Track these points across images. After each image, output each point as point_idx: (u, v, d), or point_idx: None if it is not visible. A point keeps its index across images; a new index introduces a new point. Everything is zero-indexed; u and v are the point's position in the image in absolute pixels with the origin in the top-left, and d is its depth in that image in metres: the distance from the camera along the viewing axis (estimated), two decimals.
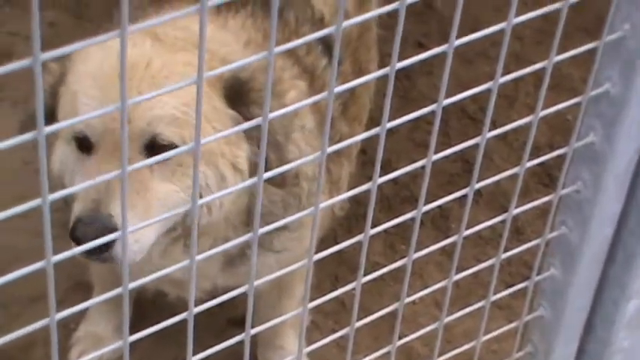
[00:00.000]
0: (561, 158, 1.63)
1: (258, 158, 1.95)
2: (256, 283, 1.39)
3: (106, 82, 1.98)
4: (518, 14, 1.34)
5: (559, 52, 1.44)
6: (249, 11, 2.35)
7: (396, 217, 1.54)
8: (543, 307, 1.83)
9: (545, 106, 1.52)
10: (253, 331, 1.45)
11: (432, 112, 1.39)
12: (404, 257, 1.59)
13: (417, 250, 1.57)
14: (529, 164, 1.58)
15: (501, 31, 1.36)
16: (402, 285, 1.61)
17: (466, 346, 1.83)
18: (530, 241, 1.76)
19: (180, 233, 2.13)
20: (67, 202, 2.06)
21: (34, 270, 1.15)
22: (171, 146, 1.95)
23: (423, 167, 1.46)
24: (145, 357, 2.77)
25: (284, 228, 2.08)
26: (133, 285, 1.25)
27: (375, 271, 1.64)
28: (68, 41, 1.05)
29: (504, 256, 1.71)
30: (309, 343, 1.64)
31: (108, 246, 1.87)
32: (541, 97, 1.49)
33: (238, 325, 2.79)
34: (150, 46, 2.02)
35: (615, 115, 1.55)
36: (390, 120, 1.35)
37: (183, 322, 1.37)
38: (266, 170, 1.27)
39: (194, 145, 1.18)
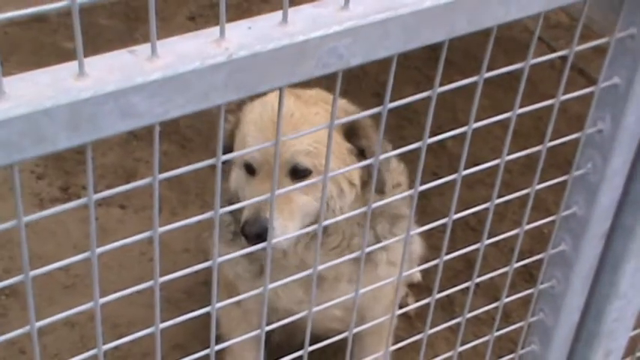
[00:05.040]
0: (540, 262, 1.61)
1: (366, 177, 2.17)
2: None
3: (263, 127, 2.12)
4: (508, 153, 1.35)
5: (538, 183, 1.44)
6: None
7: (416, 301, 1.52)
8: None
9: (528, 222, 1.51)
10: None
11: (444, 224, 1.39)
12: (420, 332, 1.57)
13: (430, 327, 1.55)
14: (516, 265, 1.56)
15: (496, 166, 1.36)
16: (419, 354, 1.58)
17: None
18: (515, 323, 1.73)
19: (315, 234, 2.16)
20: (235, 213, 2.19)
21: (146, 334, 1.15)
22: (307, 170, 2.11)
23: (435, 265, 1.45)
24: None
25: (401, 217, 2.28)
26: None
27: (398, 342, 1.62)
28: (176, 166, 1.07)
29: (497, 334, 1.68)
30: None
31: (265, 237, 1.95)
32: (525, 215, 1.48)
33: None
34: (292, 102, 2.13)
35: (581, 231, 1.53)
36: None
37: None
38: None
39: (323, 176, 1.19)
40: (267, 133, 2.08)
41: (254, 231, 2.02)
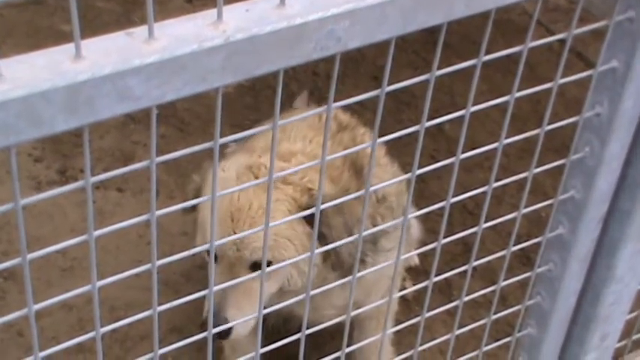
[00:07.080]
0: (537, 245, 1.61)
1: (327, 255, 2.13)
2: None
3: (223, 219, 2.09)
4: (506, 137, 1.35)
5: (536, 166, 1.44)
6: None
7: (413, 285, 1.52)
8: (522, 357, 1.80)
9: (526, 206, 1.51)
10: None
11: (442, 208, 1.39)
12: (418, 316, 1.57)
13: (428, 310, 1.55)
14: (513, 248, 1.57)
15: (494, 149, 1.36)
16: (417, 337, 1.59)
17: None
18: (512, 306, 1.73)
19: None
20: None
21: (143, 317, 1.15)
22: (268, 263, 2.07)
23: (433, 248, 1.46)
24: None
25: (386, 232, 2.22)
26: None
27: (396, 325, 1.62)
28: (173, 149, 1.06)
29: (494, 317, 1.69)
30: None
31: (227, 333, 2.11)
32: (523, 199, 1.48)
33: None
34: (252, 191, 2.09)
35: (578, 214, 1.54)
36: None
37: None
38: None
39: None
40: (226, 226, 2.07)
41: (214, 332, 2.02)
